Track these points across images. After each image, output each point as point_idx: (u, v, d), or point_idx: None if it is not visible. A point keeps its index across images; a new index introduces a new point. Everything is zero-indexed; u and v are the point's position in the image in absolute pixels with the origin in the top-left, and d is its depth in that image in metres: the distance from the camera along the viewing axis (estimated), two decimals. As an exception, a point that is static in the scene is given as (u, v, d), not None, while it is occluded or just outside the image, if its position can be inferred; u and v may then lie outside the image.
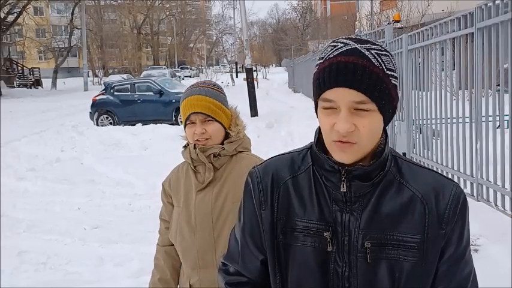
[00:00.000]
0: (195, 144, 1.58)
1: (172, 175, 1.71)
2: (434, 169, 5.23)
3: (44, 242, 4.52)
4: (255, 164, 1.59)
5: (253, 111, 13.35)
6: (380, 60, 0.88)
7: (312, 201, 0.98)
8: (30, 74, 37.43)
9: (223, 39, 76.76)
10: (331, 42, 0.93)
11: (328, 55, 0.90)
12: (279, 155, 1.09)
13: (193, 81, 31.17)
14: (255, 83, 15.03)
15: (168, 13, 59.42)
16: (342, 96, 0.87)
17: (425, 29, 5.46)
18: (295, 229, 0.98)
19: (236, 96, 16.90)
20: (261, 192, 1.02)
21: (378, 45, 0.91)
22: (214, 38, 77.49)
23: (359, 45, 0.89)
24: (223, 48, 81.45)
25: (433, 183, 0.96)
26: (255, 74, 15.86)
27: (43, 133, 11.64)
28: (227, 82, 30.86)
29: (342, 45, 0.90)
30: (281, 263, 1.00)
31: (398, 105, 0.96)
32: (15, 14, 31.19)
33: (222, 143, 1.61)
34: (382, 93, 0.88)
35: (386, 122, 0.93)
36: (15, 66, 37.40)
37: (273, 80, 37.74)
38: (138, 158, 8.58)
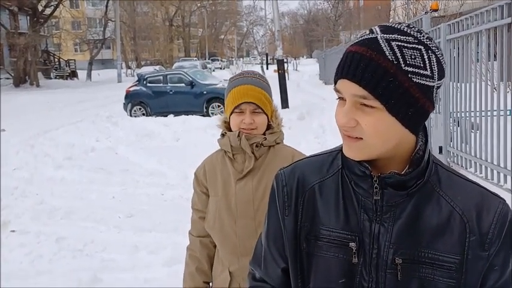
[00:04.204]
0: (239, 132, 1.58)
1: (207, 164, 1.70)
2: (473, 163, 5.07)
3: (81, 229, 4.65)
4: (293, 155, 1.61)
5: (284, 103, 13.29)
6: (398, 54, 0.78)
7: (338, 208, 0.91)
8: (66, 66, 38.49)
9: (254, 30, 76.64)
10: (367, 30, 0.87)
11: (351, 43, 0.85)
12: (308, 157, 1.03)
13: (224, 73, 31.36)
14: (286, 74, 14.94)
15: (199, 5, 59.70)
16: (346, 88, 0.82)
17: (465, 18, 5.26)
18: (319, 238, 0.92)
19: (267, 87, 16.94)
20: (285, 197, 0.97)
21: (411, 36, 0.80)
22: (245, 29, 77.43)
23: (382, 34, 0.81)
24: (253, 39, 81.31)
25: (476, 199, 0.87)
26: (285, 65, 15.76)
27: (79, 123, 11.96)
28: (258, 73, 30.81)
29: (367, 33, 0.83)
30: (303, 272, 0.94)
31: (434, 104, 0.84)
32: (52, 7, 32.03)
33: (264, 134, 1.62)
34: (390, 91, 0.78)
35: (407, 125, 0.82)
36: (52, 58, 38.50)
37: (304, 71, 37.45)
38: (170, 149, 8.70)
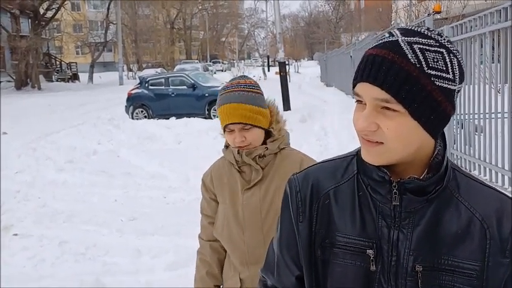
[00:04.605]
0: (238, 150, 1.57)
1: (213, 171, 1.69)
2: (477, 166, 5.04)
3: (83, 233, 4.63)
4: (301, 160, 1.59)
5: (286, 105, 13.29)
6: (421, 57, 0.77)
7: (354, 214, 0.89)
8: (68, 69, 38.54)
9: (255, 33, 76.78)
10: (385, 33, 0.86)
11: (370, 46, 0.84)
12: (321, 162, 1.01)
13: (225, 75, 31.38)
14: (288, 76, 14.94)
15: (200, 7, 59.83)
16: (367, 91, 0.80)
17: (468, 20, 5.25)
18: (334, 244, 0.90)
19: (268, 90, 16.88)
20: (299, 203, 0.95)
21: (432, 39, 0.79)
22: (246, 31, 77.58)
23: (403, 37, 0.79)
24: (255, 42, 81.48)
25: (496, 205, 0.85)
26: (287, 67, 15.76)
27: (81, 126, 11.94)
28: (259, 76, 30.88)
29: (387, 36, 0.82)
30: (318, 280, 0.92)
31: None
32: (54, 10, 32.10)
33: (265, 142, 1.59)
34: (413, 94, 0.77)
35: (429, 129, 0.81)
36: (53, 61, 38.55)
37: (305, 74, 37.46)
38: (172, 151, 8.69)
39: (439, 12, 6.70)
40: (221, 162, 1.69)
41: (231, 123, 1.54)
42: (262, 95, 1.63)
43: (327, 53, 28.99)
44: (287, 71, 15.08)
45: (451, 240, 0.84)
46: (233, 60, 64.00)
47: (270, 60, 47.40)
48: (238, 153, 1.57)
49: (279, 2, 14.80)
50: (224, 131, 1.59)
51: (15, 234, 4.65)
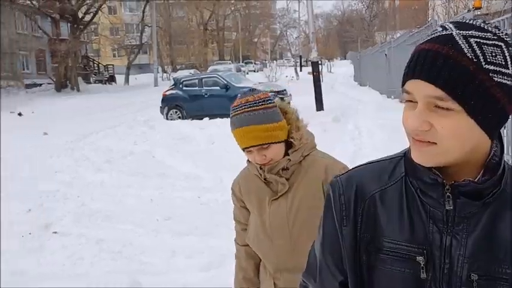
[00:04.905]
0: (260, 166, 1.54)
1: (241, 180, 1.68)
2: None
3: (120, 232, 4.72)
4: (326, 166, 1.54)
5: (319, 105, 13.16)
6: (478, 51, 0.72)
7: (402, 218, 0.85)
8: (105, 71, 39.63)
9: (287, 32, 76.52)
10: (437, 27, 0.80)
11: (422, 41, 0.78)
12: (365, 164, 0.96)
13: (258, 75, 31.41)
14: (320, 76, 14.81)
15: (233, 8, 60.20)
16: (419, 89, 0.75)
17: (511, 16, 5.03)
18: (381, 250, 0.86)
19: (300, 90, 16.83)
20: (343, 206, 0.91)
21: (489, 32, 0.74)
22: (278, 32, 77.40)
23: (457, 30, 0.74)
24: (287, 42, 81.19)
25: None
26: (320, 67, 15.62)
27: (117, 127, 12.24)
28: (291, 76, 30.78)
29: (440, 29, 0.77)
30: (364, 286, 0.89)
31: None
32: (92, 14, 33.06)
33: (287, 153, 1.55)
34: (470, 91, 0.72)
35: (486, 128, 0.76)
36: (91, 63, 39.73)
37: (338, 73, 37.06)
38: (205, 152, 8.76)
39: (479, 8, 6.46)
40: (248, 172, 1.67)
41: (247, 147, 1.51)
42: (275, 106, 1.55)
43: (360, 52, 28.58)
44: (320, 70, 14.94)
45: (508, 248, 0.79)
46: (265, 60, 63.99)
47: (302, 60, 47.12)
48: (261, 168, 1.55)
49: (312, 2, 14.69)
50: (243, 150, 1.57)
51: (55, 232, 4.80)
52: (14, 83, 26.60)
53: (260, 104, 1.51)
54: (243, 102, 1.52)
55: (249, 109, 1.50)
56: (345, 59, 70.23)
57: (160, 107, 14.63)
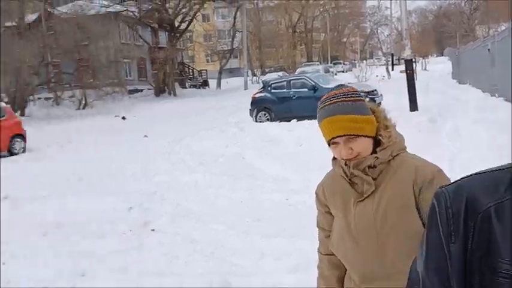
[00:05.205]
0: (345, 162, 1.49)
1: (325, 183, 1.63)
2: None
3: (212, 233, 4.89)
4: (416, 167, 1.45)
5: (413, 105, 12.52)
6: None
7: None
8: (199, 76, 41.63)
9: (378, 31, 74.00)
10: None
11: None
12: (475, 174, 0.86)
13: (346, 76, 30.81)
14: (414, 75, 14.10)
15: (322, 9, 59.69)
16: None
17: None
18: (497, 272, 0.76)
19: (392, 90, 16.19)
20: (450, 221, 0.82)
21: None
22: (369, 30, 75.17)
23: None
24: (378, 40, 78.50)
25: None
26: (414, 65, 14.88)
27: (210, 130, 12.75)
28: (382, 76, 29.70)
29: None
30: None
31: None
32: (187, 22, 34.91)
33: (375, 151, 1.48)
34: None
35: None
36: (187, 69, 41.92)
37: (434, 70, 35.04)
38: (293, 154, 8.78)
39: None
40: (332, 174, 1.62)
41: (333, 138, 1.47)
42: (364, 101, 1.52)
43: (459, 48, 26.74)
44: (413, 68, 14.23)
45: None
46: (354, 60, 62.51)
47: (394, 58, 45.25)
48: (346, 165, 1.49)
49: (405, -1, 14.04)
50: (329, 144, 1.52)
51: (153, 230, 5.12)
52: (119, 89, 28.92)
53: (349, 96, 1.49)
54: (331, 95, 1.51)
55: (337, 100, 1.48)
56: (442, 55, 66.20)
57: (250, 109, 14.95)
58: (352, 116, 1.45)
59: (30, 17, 28.45)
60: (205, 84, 40.59)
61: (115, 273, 4.01)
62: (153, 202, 6.34)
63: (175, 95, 32.10)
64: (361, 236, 1.49)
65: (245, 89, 32.19)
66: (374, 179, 1.48)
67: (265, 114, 14.67)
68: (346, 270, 1.62)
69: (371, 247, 1.47)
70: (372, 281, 1.48)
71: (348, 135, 1.45)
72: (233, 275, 3.77)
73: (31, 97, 25.23)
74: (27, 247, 4.90)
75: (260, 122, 14.26)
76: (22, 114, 22.03)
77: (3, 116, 13.67)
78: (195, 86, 39.53)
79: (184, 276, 3.86)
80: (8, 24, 25.79)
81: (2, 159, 12.48)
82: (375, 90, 14.83)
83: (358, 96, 1.51)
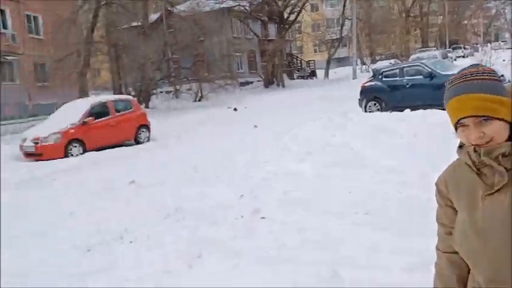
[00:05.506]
0: (475, 148, 1.33)
1: (448, 174, 1.48)
2: None
3: (319, 221, 4.86)
4: None
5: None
6: None
7: None
8: (307, 66, 41.58)
9: (505, 10, 66.61)
10: None
11: None
12: None
13: (467, 61, 28.33)
14: (552, 57, 12.45)
15: (440, -10, 55.58)
16: None
17: None
18: None
19: (524, 75, 14.43)
20: None
21: None
22: (494, 10, 68.07)
23: None
24: (505, 20, 70.75)
25: None
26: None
27: (317, 120, 12.67)
28: (508, 60, 26.79)
29: None
30: None
31: None
32: (295, 13, 35.04)
33: (510, 139, 1.31)
34: None
35: None
36: (295, 60, 42.15)
37: None
38: (406, 145, 8.32)
39: None
40: (456, 164, 1.46)
41: (462, 118, 1.31)
42: (501, 82, 1.33)
43: None
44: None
45: None
46: (477, 44, 57.20)
47: (525, 39, 40.47)
48: (475, 151, 1.33)
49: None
50: (456, 129, 1.36)
51: (263, 218, 5.24)
52: (231, 82, 30.17)
53: (483, 74, 1.32)
54: (462, 74, 1.36)
55: (469, 78, 1.32)
56: None
57: (359, 99, 14.54)
58: (485, 95, 1.29)
59: (153, 17, 30.89)
60: (312, 74, 40.42)
61: (230, 259, 4.19)
62: (262, 189, 6.49)
63: (283, 86, 32.52)
64: (490, 236, 1.33)
65: (353, 79, 31.39)
66: (507, 170, 1.31)
67: (375, 104, 14.14)
68: (468, 270, 1.48)
69: (502, 249, 1.31)
70: (499, 284, 1.33)
71: (479, 116, 1.29)
72: (342, 266, 3.70)
73: (154, 91, 27.47)
74: (150, 228, 5.38)
75: (370, 112, 13.79)
76: (147, 107, 24.16)
77: (130, 108, 15.14)
78: (302, 77, 39.60)
79: (293, 264, 3.88)
80: (134, 24, 28.30)
81: (130, 147, 13.81)
82: (502, 75, 13.43)
83: (495, 76, 1.33)
